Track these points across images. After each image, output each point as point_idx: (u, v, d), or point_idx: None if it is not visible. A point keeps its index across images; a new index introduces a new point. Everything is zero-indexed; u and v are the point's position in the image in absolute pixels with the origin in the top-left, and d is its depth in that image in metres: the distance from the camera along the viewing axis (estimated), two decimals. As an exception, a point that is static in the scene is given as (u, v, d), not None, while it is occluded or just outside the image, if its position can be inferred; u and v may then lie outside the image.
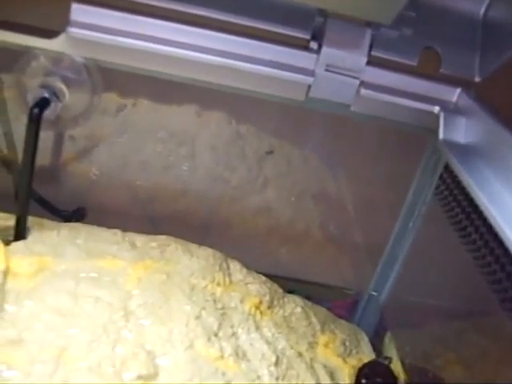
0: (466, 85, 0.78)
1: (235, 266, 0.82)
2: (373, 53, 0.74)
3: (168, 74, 0.75)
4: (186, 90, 0.89)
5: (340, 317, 0.91)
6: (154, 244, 0.80)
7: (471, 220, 0.73)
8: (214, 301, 0.75)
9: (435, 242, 0.87)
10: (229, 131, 0.98)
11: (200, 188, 0.98)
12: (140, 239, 0.81)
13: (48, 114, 0.75)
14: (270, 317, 0.79)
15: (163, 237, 0.83)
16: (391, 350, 0.88)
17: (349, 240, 1.00)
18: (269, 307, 0.80)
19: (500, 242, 0.62)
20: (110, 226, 0.84)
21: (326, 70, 0.73)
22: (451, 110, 0.75)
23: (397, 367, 0.84)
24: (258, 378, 0.70)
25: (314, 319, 0.83)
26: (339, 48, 0.72)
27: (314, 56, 0.73)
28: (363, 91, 0.74)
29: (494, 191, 0.64)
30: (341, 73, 0.73)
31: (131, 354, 0.64)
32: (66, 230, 0.80)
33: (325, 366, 0.78)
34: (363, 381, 0.79)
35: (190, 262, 0.79)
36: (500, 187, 0.65)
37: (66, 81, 0.75)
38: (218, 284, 0.78)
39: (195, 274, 0.77)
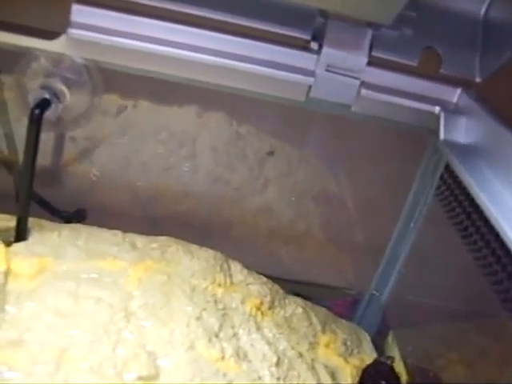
0: (467, 85, 0.78)
1: (236, 267, 0.82)
2: (373, 53, 0.74)
3: (168, 75, 0.75)
4: (187, 91, 0.90)
5: (341, 316, 0.91)
6: (154, 245, 0.80)
7: (472, 220, 0.73)
8: (215, 302, 0.75)
9: (436, 242, 0.87)
10: (229, 132, 0.98)
11: (201, 189, 0.98)
12: (141, 240, 0.81)
13: (49, 115, 0.75)
14: (270, 317, 0.79)
15: (164, 238, 0.83)
16: (394, 350, 0.88)
17: (350, 240, 1.00)
18: (270, 308, 0.80)
19: (501, 243, 0.62)
20: (110, 227, 0.84)
21: (327, 71, 0.73)
22: (452, 111, 0.76)
23: (399, 367, 0.84)
24: (259, 378, 0.69)
25: (314, 319, 0.83)
26: (340, 48, 0.72)
27: (315, 56, 0.73)
28: (364, 91, 0.74)
29: (495, 191, 0.64)
30: (341, 73, 0.73)
31: (132, 354, 0.64)
32: (67, 231, 0.80)
33: (326, 367, 0.78)
34: (367, 382, 0.79)
35: (191, 263, 0.79)
36: (501, 187, 0.65)
37: (67, 82, 0.75)
38: (219, 285, 0.78)
39: (196, 274, 0.77)
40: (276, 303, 0.81)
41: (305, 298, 0.88)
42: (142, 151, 0.98)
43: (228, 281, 0.79)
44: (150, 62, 0.73)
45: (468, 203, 0.74)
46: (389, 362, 0.82)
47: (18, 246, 0.75)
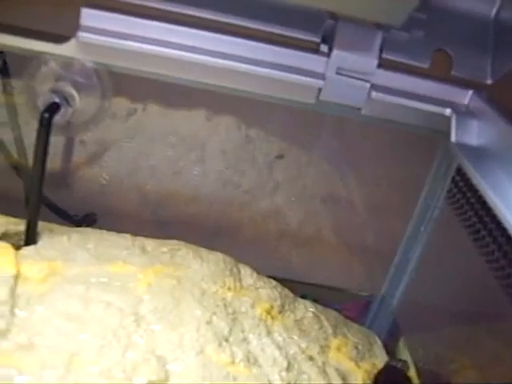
0: (478, 87, 0.77)
1: (246, 271, 0.82)
2: (383, 55, 0.74)
3: (178, 78, 0.75)
4: (196, 94, 0.90)
5: (351, 320, 0.90)
6: (164, 249, 0.80)
7: (484, 223, 0.73)
8: (225, 306, 0.74)
9: (448, 245, 0.86)
10: (238, 135, 0.98)
11: (210, 192, 0.98)
12: (150, 244, 0.81)
13: (58, 118, 0.75)
14: (281, 321, 0.78)
15: (174, 241, 0.83)
16: (405, 354, 0.87)
17: (360, 243, 1.00)
18: (280, 312, 0.80)
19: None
20: (120, 231, 0.84)
21: (337, 73, 0.73)
22: (463, 113, 0.75)
23: (411, 371, 0.83)
24: (270, 383, 0.69)
25: (325, 323, 0.83)
26: (350, 51, 0.72)
27: (325, 59, 0.73)
28: (374, 94, 0.73)
29: (507, 194, 0.64)
30: (351, 76, 0.73)
31: (142, 359, 0.64)
32: (77, 235, 0.79)
33: (337, 370, 0.77)
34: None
35: (201, 267, 0.78)
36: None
37: (77, 86, 0.75)
38: (229, 289, 0.77)
39: (206, 278, 0.77)
40: (286, 307, 0.81)
41: (315, 301, 0.87)
42: (152, 155, 0.98)
43: (238, 285, 0.79)
44: (159, 65, 0.73)
45: (480, 206, 0.73)
46: (401, 367, 0.81)
47: (28, 250, 0.75)
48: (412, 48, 0.75)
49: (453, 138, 0.73)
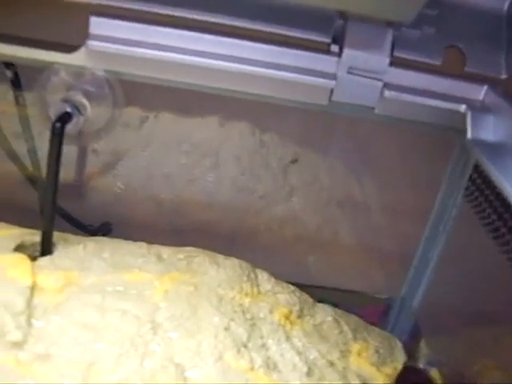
0: (493, 82, 0.76)
1: (263, 276, 0.81)
2: (395, 53, 0.73)
3: (190, 84, 0.75)
4: (209, 100, 0.90)
5: (372, 324, 0.89)
6: (180, 256, 0.79)
7: (504, 220, 0.72)
8: (243, 311, 0.73)
9: (467, 244, 0.85)
10: (252, 141, 0.97)
11: (225, 199, 0.98)
12: (166, 251, 0.80)
13: (70, 128, 0.74)
14: (300, 326, 0.77)
15: (190, 248, 0.82)
16: (427, 357, 0.86)
17: (378, 246, 0.99)
18: (299, 317, 0.79)
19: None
20: (135, 240, 0.83)
21: (349, 73, 0.72)
22: (478, 109, 0.74)
23: (434, 374, 0.82)
24: (290, 388, 0.68)
25: (345, 327, 0.82)
26: (361, 50, 0.71)
27: (336, 59, 0.72)
28: (387, 93, 0.73)
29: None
30: (363, 75, 0.72)
31: (160, 367, 0.63)
32: (92, 244, 0.79)
33: (358, 376, 0.76)
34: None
35: (218, 273, 0.78)
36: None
37: (88, 95, 0.75)
38: (247, 294, 0.76)
39: (223, 284, 0.76)
40: (305, 312, 0.80)
41: (334, 305, 0.86)
42: (165, 163, 0.98)
43: (255, 290, 0.78)
44: (170, 72, 0.73)
45: (499, 203, 0.72)
46: (423, 368, 0.80)
47: (44, 261, 0.74)
48: (424, 45, 0.74)
49: (469, 135, 0.72)
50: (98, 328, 0.66)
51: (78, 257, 0.77)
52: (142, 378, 0.62)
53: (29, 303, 0.67)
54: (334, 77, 0.72)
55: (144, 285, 0.73)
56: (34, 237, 0.78)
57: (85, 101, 0.75)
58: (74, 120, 0.74)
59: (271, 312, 0.75)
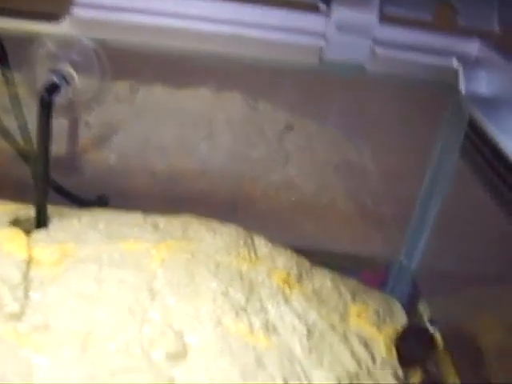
0: (486, 36, 0.75)
1: (260, 241, 0.81)
2: (384, 10, 0.72)
3: (178, 48, 0.74)
4: (200, 71, 0.89)
5: (370, 287, 0.89)
6: (176, 224, 0.79)
7: (502, 176, 0.71)
8: (241, 276, 0.73)
9: (465, 204, 0.84)
10: (246, 110, 0.96)
11: (220, 167, 0.97)
12: (162, 220, 0.80)
13: (59, 99, 0.74)
14: (299, 290, 0.77)
15: (185, 216, 0.82)
16: (426, 316, 0.86)
17: (376, 209, 0.98)
18: (297, 280, 0.78)
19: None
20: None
21: (338, 31, 0.71)
22: (471, 63, 0.73)
23: (435, 334, 0.82)
24: (290, 351, 0.68)
25: (344, 290, 0.81)
26: (349, 7, 0.70)
27: (325, 18, 0.71)
28: (377, 50, 0.72)
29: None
30: (353, 32, 0.71)
31: (159, 333, 0.64)
32: (87, 216, 0.79)
33: (359, 336, 0.76)
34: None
35: (214, 240, 0.77)
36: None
37: (75, 64, 0.74)
38: (244, 259, 0.76)
39: (220, 251, 0.76)
40: (303, 276, 0.80)
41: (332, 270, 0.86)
42: (159, 134, 0.97)
43: (253, 255, 0.78)
44: (157, 36, 0.72)
45: (496, 159, 0.71)
46: (425, 327, 0.80)
47: (39, 234, 0.74)
48: (414, 1, 0.72)
49: (462, 90, 0.71)
50: (96, 297, 0.66)
51: (73, 229, 0.76)
52: (141, 344, 0.62)
53: (25, 276, 0.67)
54: (323, 35, 0.71)
55: (140, 254, 0.73)
56: (29, 211, 0.78)
57: (72, 71, 0.74)
58: (63, 91, 0.73)
59: (269, 276, 0.75)
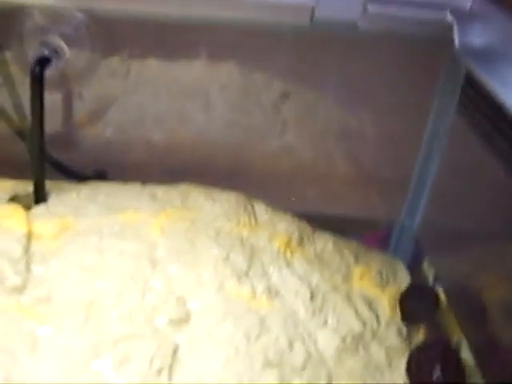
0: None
1: (260, 207, 0.80)
2: (375, -35, 0.70)
3: (168, 13, 0.73)
4: (194, 43, 0.88)
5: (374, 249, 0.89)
6: (174, 193, 0.79)
7: (501, 130, 0.70)
8: (242, 242, 0.73)
9: (464, 161, 0.84)
10: (241, 79, 0.95)
11: (218, 136, 0.96)
12: (160, 190, 0.80)
13: (51, 72, 0.73)
14: (301, 254, 0.77)
15: (184, 185, 0.82)
16: (430, 275, 0.86)
17: (375, 172, 0.98)
18: (299, 244, 0.78)
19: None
20: (130, 183, 0.83)
21: (329, -12, 0.70)
22: (465, 17, 0.71)
23: (439, 292, 0.82)
24: (294, 313, 0.68)
25: (346, 253, 0.81)
26: (340, -36, 0.69)
27: (315, -24, 0.70)
28: (370, 6, 0.70)
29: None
30: (344, -11, 0.70)
31: (161, 300, 0.64)
32: (86, 190, 0.79)
33: (362, 297, 0.76)
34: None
35: (214, 207, 0.77)
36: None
37: (64, 36, 0.73)
38: (244, 225, 0.76)
39: (219, 218, 0.76)
40: (305, 239, 0.80)
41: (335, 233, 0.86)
42: (155, 106, 0.96)
43: (253, 221, 0.77)
44: (144, 2, 0.71)
45: (494, 112, 0.70)
46: (430, 286, 0.80)
47: (39, 209, 0.74)
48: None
49: (457, 44, 0.70)
50: (97, 268, 0.66)
51: (72, 203, 0.76)
52: (143, 311, 0.62)
53: (26, 250, 0.67)
54: (313, -6, 0.70)
55: (140, 224, 0.73)
56: (28, 188, 0.78)
57: (62, 43, 0.73)
58: (54, 63, 0.73)
59: (270, 241, 0.75)
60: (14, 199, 0.77)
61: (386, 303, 0.78)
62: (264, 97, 0.98)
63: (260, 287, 0.68)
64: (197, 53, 0.93)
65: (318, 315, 0.70)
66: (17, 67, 0.77)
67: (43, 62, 0.71)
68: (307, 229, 0.82)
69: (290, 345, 0.64)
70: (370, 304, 0.76)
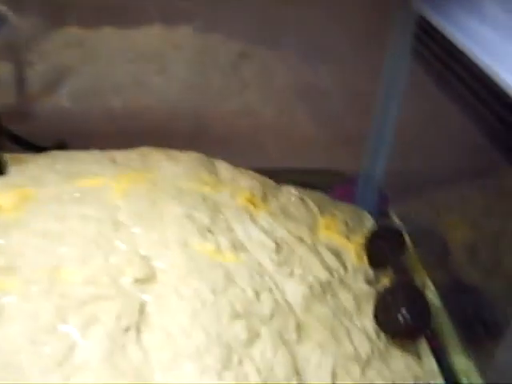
0: None
1: (221, 165, 0.80)
2: None
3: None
4: (149, 10, 0.87)
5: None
6: (134, 156, 0.79)
7: (455, 71, 0.70)
8: (204, 200, 0.73)
9: (423, 107, 0.84)
10: (197, 41, 0.95)
11: (177, 99, 0.96)
12: (120, 154, 0.79)
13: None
14: (264, 208, 0.77)
15: (143, 148, 0.81)
16: (396, 222, 0.87)
17: (337, 125, 0.98)
18: (263, 200, 0.78)
19: (490, 87, 0.59)
20: (90, 151, 0.82)
21: None
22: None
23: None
24: (260, 265, 0.69)
25: (311, 204, 0.82)
26: None
27: None
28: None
29: (475, 33, 0.61)
30: None
31: (125, 261, 0.63)
32: (45, 160, 0.78)
33: (328, 247, 0.77)
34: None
35: (174, 168, 0.77)
36: (478, 25, 0.62)
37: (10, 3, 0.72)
38: (206, 184, 0.76)
39: (181, 177, 0.75)
40: (268, 194, 0.80)
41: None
42: (112, 73, 0.95)
43: (215, 179, 0.77)
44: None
45: (448, 53, 0.70)
46: (394, 228, 0.81)
47: (-3, 182, 0.73)
48: None
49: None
50: (60, 234, 0.66)
51: (31, 173, 0.75)
52: (108, 273, 0.62)
53: (-15, 223, 0.66)
54: None
55: (101, 188, 0.72)
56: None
57: (6, 9, 0.71)
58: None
59: (233, 197, 0.75)
60: (-29, 173, 0.76)
61: (353, 251, 0.79)
62: (222, 58, 0.98)
63: (224, 242, 0.68)
64: (151, 16, 0.92)
65: (284, 266, 0.70)
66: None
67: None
68: (270, 184, 0.82)
69: (257, 296, 0.64)
70: (336, 253, 0.77)
